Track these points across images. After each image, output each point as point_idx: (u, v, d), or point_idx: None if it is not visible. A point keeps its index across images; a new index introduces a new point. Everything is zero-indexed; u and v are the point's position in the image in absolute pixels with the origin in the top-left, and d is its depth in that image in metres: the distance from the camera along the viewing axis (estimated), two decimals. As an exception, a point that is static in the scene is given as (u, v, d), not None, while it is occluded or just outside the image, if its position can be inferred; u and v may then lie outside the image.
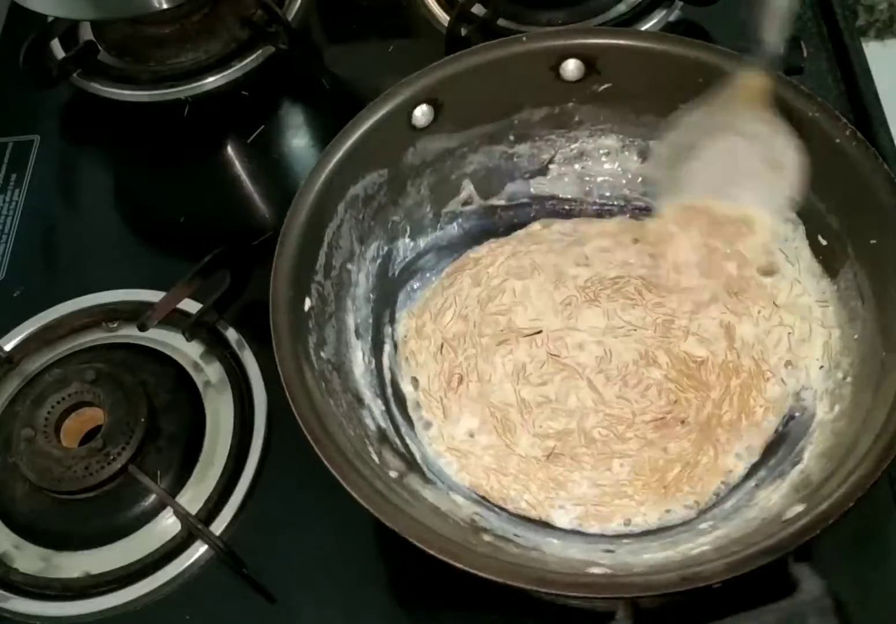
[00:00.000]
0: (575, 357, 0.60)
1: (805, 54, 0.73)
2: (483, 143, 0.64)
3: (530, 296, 0.63)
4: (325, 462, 0.47)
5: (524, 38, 0.61)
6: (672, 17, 0.78)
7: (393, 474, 0.52)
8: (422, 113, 0.60)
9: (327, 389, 0.52)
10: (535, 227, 0.67)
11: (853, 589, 0.51)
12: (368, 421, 0.56)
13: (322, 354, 0.54)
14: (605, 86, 0.62)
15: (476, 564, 0.44)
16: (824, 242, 0.58)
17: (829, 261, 0.58)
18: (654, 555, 0.51)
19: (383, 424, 0.57)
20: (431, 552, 0.44)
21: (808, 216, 0.59)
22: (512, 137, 0.65)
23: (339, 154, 0.57)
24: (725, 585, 0.42)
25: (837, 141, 0.54)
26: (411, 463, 0.56)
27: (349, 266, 0.59)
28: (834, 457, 0.50)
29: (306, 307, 0.54)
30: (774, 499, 0.52)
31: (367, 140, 0.58)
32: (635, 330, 0.61)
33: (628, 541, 0.54)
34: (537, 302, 0.63)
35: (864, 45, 0.75)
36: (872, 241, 0.54)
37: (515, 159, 0.66)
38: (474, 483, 0.57)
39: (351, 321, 0.59)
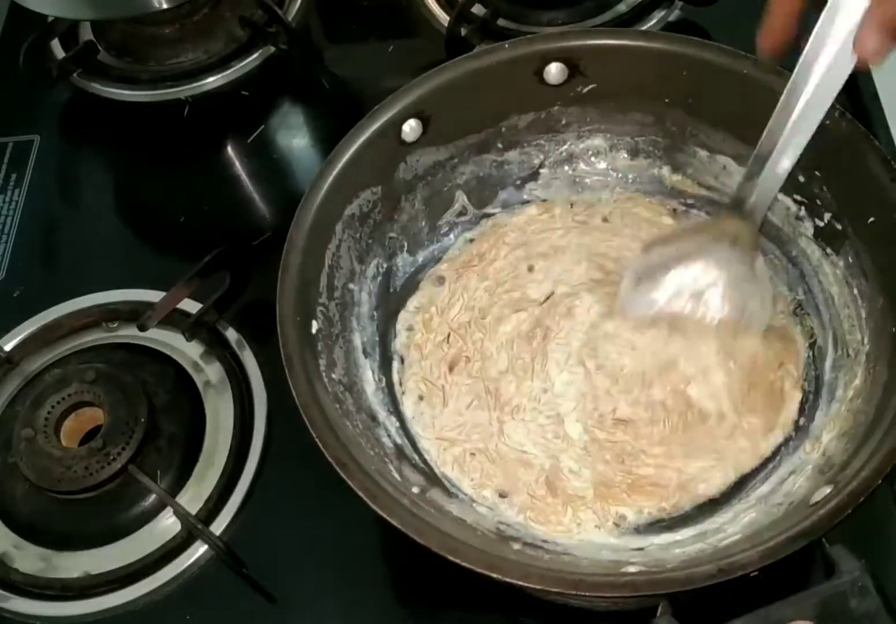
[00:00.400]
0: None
1: (805, 54, 0.73)
2: (472, 152, 0.64)
3: (553, 271, 0.63)
4: (353, 486, 0.46)
5: (506, 45, 0.61)
6: (672, 17, 0.79)
7: (415, 490, 0.52)
8: (410, 128, 0.60)
9: (342, 411, 0.52)
10: (532, 211, 0.66)
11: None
12: (385, 439, 0.56)
13: (333, 375, 0.54)
14: (590, 87, 0.62)
15: (514, 573, 0.43)
16: (821, 223, 0.58)
17: (829, 241, 0.58)
18: (685, 549, 0.51)
19: (399, 441, 0.57)
20: (468, 565, 0.43)
21: (807, 201, 0.59)
22: (500, 145, 0.65)
23: (333, 175, 0.57)
24: (763, 572, 0.42)
25: (827, 123, 0.54)
26: (431, 477, 0.56)
27: (351, 286, 0.59)
28: (855, 435, 0.49)
29: (313, 330, 0.54)
30: (799, 482, 0.51)
31: (358, 159, 0.58)
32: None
33: (656, 538, 0.54)
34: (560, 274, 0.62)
35: (863, 44, 0.75)
36: (871, 220, 0.53)
37: (506, 167, 0.66)
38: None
39: (357, 340, 0.59)
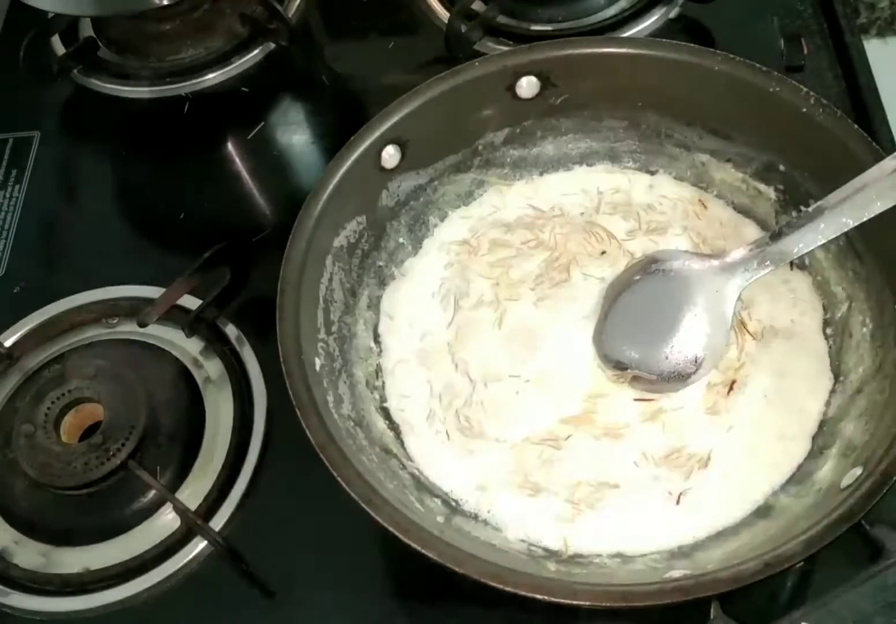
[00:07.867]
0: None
1: (806, 52, 0.73)
2: (451, 172, 0.64)
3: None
4: (382, 522, 0.45)
5: (476, 63, 0.61)
6: (672, 14, 0.79)
7: (440, 519, 0.51)
8: (389, 155, 0.60)
9: (356, 446, 0.51)
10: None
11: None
12: (401, 471, 0.55)
13: (342, 411, 0.53)
14: (563, 97, 0.62)
15: (560, 593, 0.43)
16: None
17: None
18: (722, 547, 0.50)
19: (416, 471, 0.56)
20: (512, 590, 0.43)
21: (789, 189, 0.59)
22: (478, 163, 0.65)
23: (318, 208, 0.56)
24: (808, 562, 0.41)
25: (804, 110, 0.55)
26: (454, 506, 0.55)
27: (346, 319, 0.59)
28: (873, 415, 0.49)
29: (317, 367, 0.53)
30: (824, 470, 0.51)
31: (340, 189, 0.57)
32: None
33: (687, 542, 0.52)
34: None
35: (865, 42, 0.75)
36: None
37: (485, 184, 0.66)
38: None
39: (360, 373, 0.58)
